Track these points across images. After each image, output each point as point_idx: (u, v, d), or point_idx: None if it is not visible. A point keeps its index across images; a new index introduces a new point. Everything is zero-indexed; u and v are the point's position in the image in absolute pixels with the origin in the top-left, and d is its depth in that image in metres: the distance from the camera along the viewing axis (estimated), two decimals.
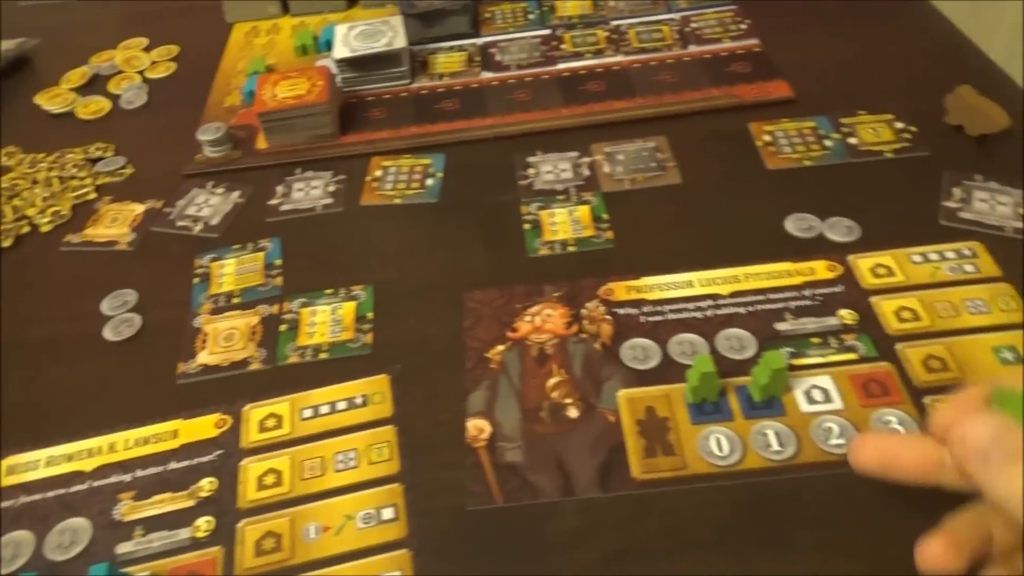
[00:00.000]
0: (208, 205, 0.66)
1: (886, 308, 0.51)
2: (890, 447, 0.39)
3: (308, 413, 0.50)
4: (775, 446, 0.45)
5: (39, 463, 0.50)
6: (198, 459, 0.49)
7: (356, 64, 0.74)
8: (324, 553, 0.44)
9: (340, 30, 0.75)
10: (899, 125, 0.64)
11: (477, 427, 0.48)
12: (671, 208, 0.61)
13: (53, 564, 0.45)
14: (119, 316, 0.58)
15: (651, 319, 0.53)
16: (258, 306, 0.58)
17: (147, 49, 0.88)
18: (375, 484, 0.46)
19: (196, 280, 0.60)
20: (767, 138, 0.65)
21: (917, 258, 0.54)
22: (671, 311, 0.53)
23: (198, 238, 0.64)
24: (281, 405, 0.51)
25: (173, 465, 0.49)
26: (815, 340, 0.50)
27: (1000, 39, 0.85)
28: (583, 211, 0.61)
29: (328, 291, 0.58)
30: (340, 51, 0.73)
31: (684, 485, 0.44)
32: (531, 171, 0.65)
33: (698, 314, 0.52)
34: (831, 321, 0.51)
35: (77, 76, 0.84)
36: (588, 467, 0.45)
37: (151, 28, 0.91)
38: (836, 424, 0.45)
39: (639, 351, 0.51)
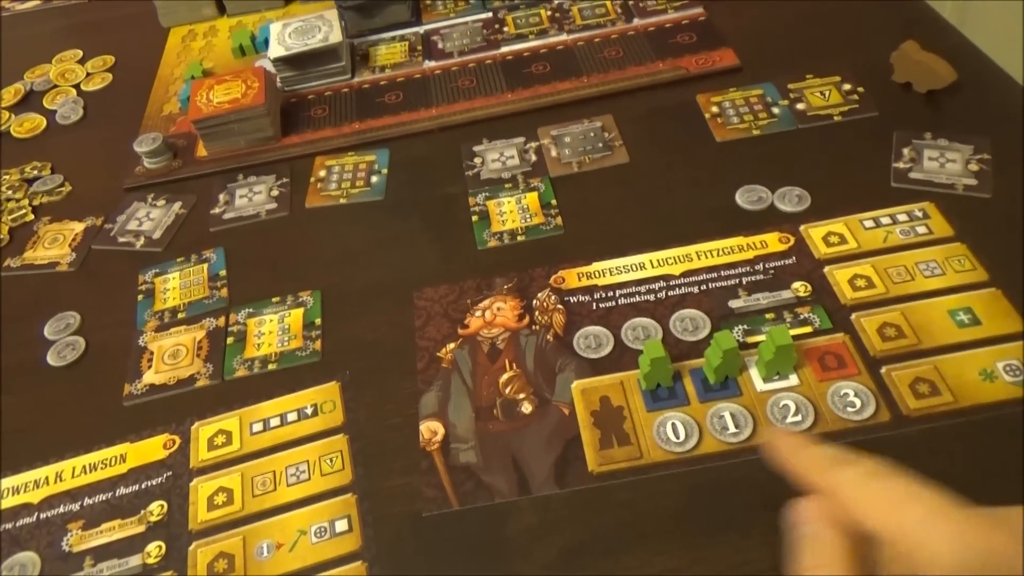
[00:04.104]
0: (149, 218, 0.65)
1: (840, 277, 0.50)
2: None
3: (258, 427, 0.49)
4: (732, 428, 0.44)
5: None
6: (147, 482, 0.48)
7: (293, 62, 0.72)
8: (278, 571, 0.42)
9: (275, 28, 0.73)
10: (847, 87, 0.63)
11: (430, 429, 0.47)
12: (620, 189, 0.60)
13: None
14: (62, 340, 0.57)
15: (603, 305, 0.51)
16: (204, 320, 0.56)
17: (82, 61, 0.86)
18: (328, 496, 0.45)
19: (140, 297, 0.59)
20: (715, 109, 0.64)
21: (869, 223, 0.53)
22: (623, 296, 0.52)
23: (141, 253, 0.62)
24: (230, 421, 0.50)
25: (122, 490, 0.48)
26: (769, 316, 0.49)
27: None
28: (531, 198, 0.60)
29: (275, 299, 0.56)
30: (275, 50, 0.71)
31: (641, 475, 0.43)
32: (477, 160, 0.64)
33: (650, 297, 0.51)
34: (785, 295, 0.50)
35: (11, 94, 0.82)
36: (544, 464, 0.44)
37: (85, 39, 0.89)
38: (793, 401, 0.44)
39: (591, 340, 0.49)
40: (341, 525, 0.44)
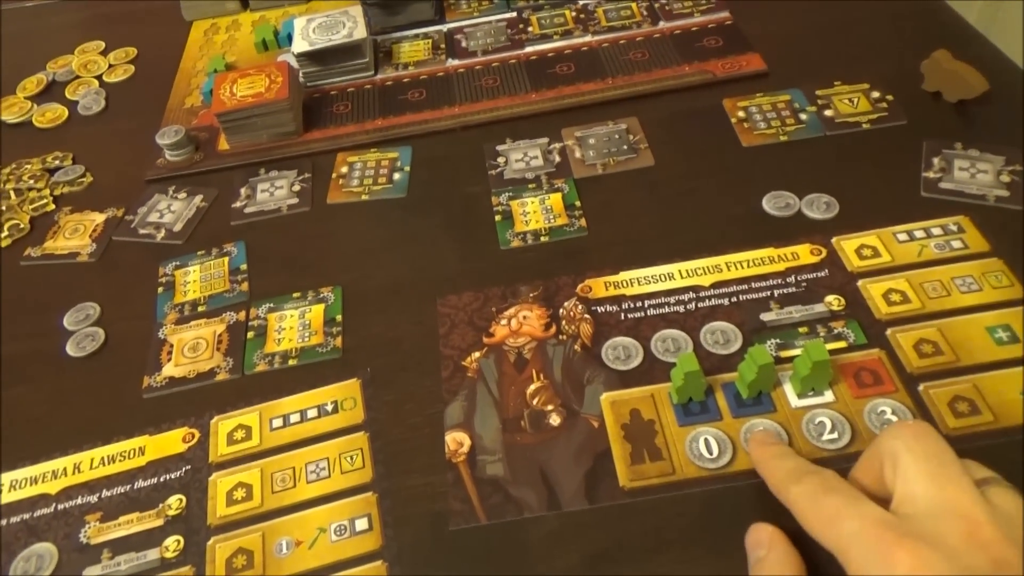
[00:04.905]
0: (170, 211, 0.64)
1: (874, 291, 0.49)
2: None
3: (278, 423, 0.49)
4: None
5: (1, 488, 0.48)
6: (166, 476, 0.47)
7: (316, 58, 0.71)
8: (297, 569, 0.42)
9: (299, 23, 0.72)
10: (875, 94, 0.62)
11: (456, 441, 0.46)
12: (645, 192, 0.59)
13: None
14: (82, 330, 0.56)
15: (631, 316, 0.51)
16: (224, 313, 0.56)
17: (104, 52, 0.85)
18: (348, 494, 0.45)
19: (160, 289, 0.58)
20: (741, 114, 0.63)
21: (902, 236, 0.52)
22: (651, 306, 0.51)
23: (161, 245, 0.62)
24: (250, 416, 0.49)
25: (140, 483, 0.47)
26: (802, 330, 0.48)
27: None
28: (555, 199, 0.59)
29: (296, 295, 0.56)
30: (299, 45, 0.70)
31: (674, 491, 0.42)
32: (500, 160, 0.63)
33: (680, 308, 0.50)
34: (818, 308, 0.49)
35: (33, 84, 0.81)
36: (573, 478, 0.43)
37: (108, 31, 0.89)
38: (828, 418, 0.43)
39: (620, 351, 0.49)
40: (361, 524, 0.43)
